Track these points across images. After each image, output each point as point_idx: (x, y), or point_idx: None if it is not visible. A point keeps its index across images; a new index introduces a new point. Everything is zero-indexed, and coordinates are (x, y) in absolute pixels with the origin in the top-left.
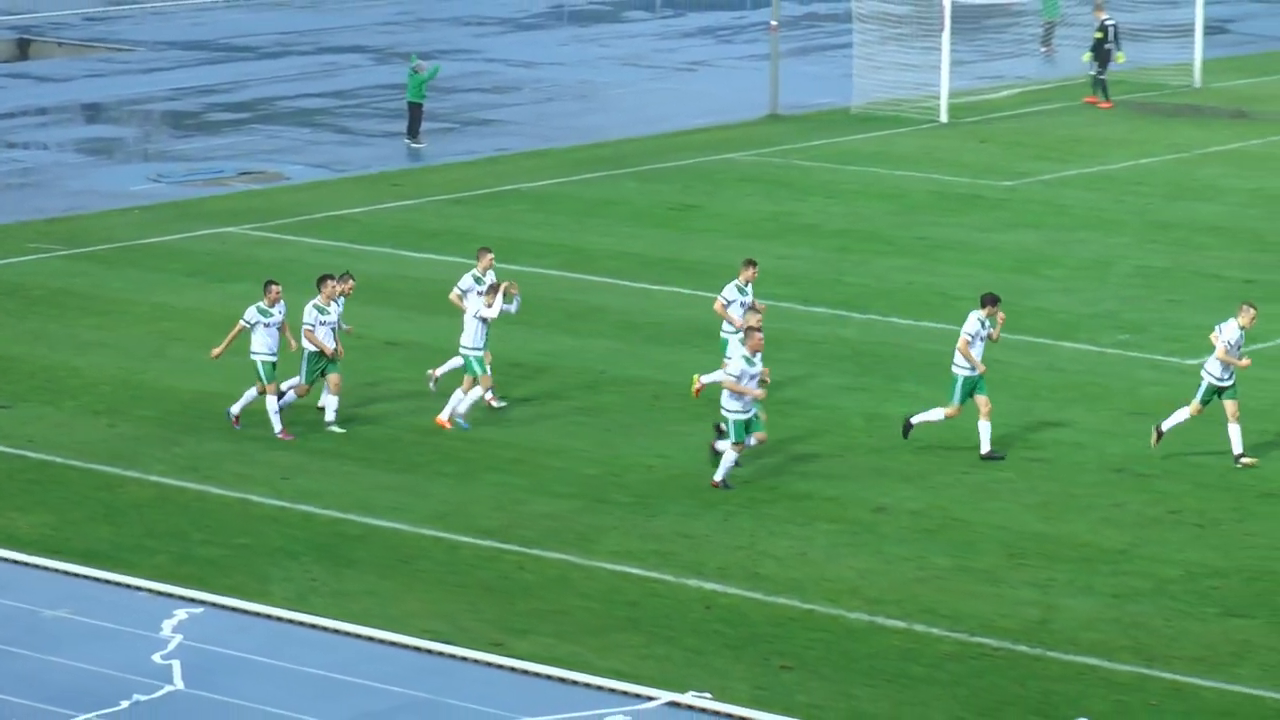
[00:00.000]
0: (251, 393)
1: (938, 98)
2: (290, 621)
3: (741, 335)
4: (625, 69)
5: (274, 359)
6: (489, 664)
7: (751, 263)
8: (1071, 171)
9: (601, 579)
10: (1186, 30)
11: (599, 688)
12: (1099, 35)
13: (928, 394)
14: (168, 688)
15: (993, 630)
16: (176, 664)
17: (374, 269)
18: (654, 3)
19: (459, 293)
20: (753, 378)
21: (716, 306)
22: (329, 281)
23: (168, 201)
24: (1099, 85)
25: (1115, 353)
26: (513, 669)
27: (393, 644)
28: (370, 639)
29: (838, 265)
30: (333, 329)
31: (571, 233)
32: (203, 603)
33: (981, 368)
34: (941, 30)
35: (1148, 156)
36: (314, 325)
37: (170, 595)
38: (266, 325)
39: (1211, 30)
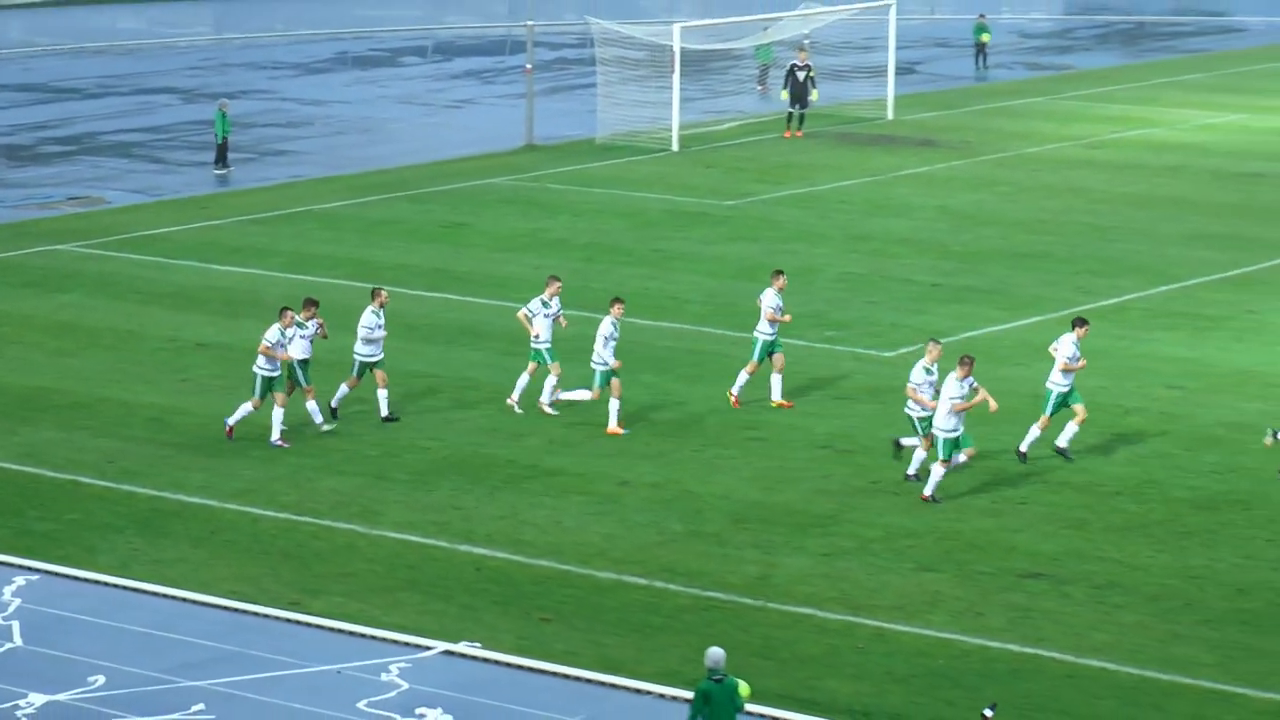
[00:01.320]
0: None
1: (669, 129)
2: (115, 586)
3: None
4: (402, 106)
5: (276, 372)
6: (288, 620)
7: (780, 272)
8: (784, 192)
9: (385, 546)
10: (880, 71)
11: (384, 639)
12: (799, 76)
13: (663, 384)
14: (8, 645)
15: (721, 585)
16: (16, 624)
17: (184, 280)
18: (426, 49)
19: (526, 314)
20: (931, 385)
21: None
22: (310, 307)
23: (5, 223)
24: (794, 118)
25: (823, 347)
26: (308, 624)
27: (204, 604)
28: (185, 600)
29: (585, 274)
30: (309, 339)
31: (357, 247)
32: (38, 570)
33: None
34: (672, 72)
35: (848, 179)
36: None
37: (9, 565)
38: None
39: (901, 71)
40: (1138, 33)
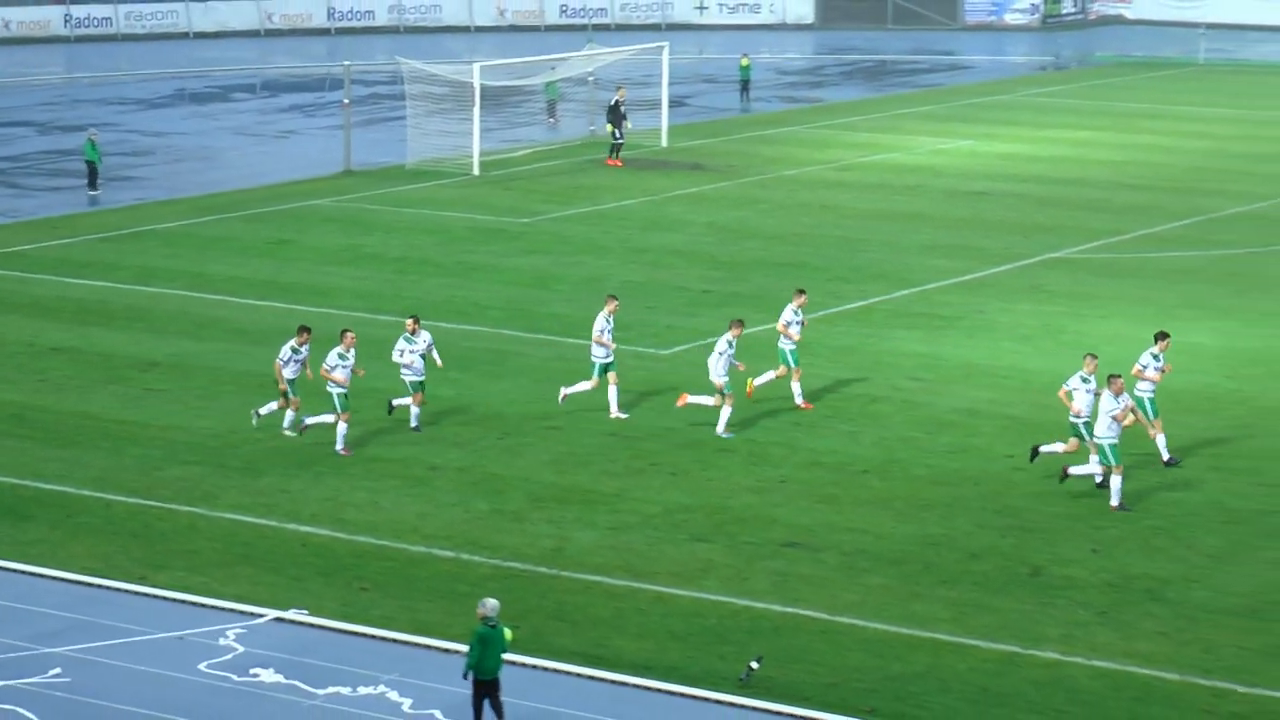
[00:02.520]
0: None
1: (471, 156)
2: None
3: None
4: (234, 136)
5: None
6: (135, 593)
7: (802, 291)
8: (572, 211)
9: (222, 526)
10: (655, 104)
11: (221, 608)
12: (621, 110)
13: (468, 380)
14: None
15: (520, 557)
16: None
17: (40, 292)
18: (255, 86)
19: (598, 332)
20: (1090, 393)
21: (779, 326)
22: (304, 333)
23: None
24: (618, 142)
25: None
26: (154, 596)
27: (60, 579)
28: (43, 576)
29: (397, 284)
30: (302, 363)
31: (195, 262)
32: None
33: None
34: (473, 105)
35: (628, 199)
36: (286, 361)
37: None
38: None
39: (674, 103)
40: (880, 70)
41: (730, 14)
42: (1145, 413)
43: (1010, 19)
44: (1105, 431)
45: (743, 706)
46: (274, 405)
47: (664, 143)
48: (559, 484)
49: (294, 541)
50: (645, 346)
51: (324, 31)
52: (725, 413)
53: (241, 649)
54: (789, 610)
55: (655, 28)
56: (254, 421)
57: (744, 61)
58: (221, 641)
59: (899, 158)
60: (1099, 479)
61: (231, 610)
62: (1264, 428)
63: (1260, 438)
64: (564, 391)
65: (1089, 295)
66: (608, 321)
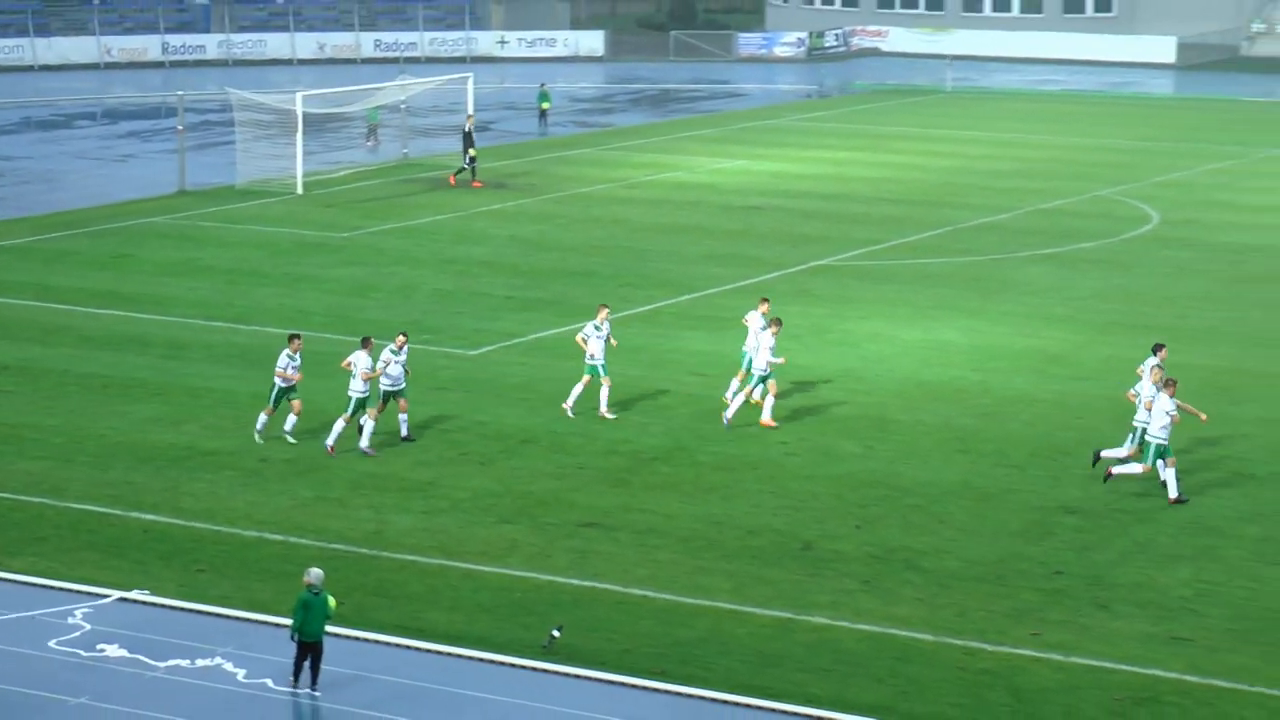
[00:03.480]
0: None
1: (295, 176)
2: None
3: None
4: (78, 160)
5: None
6: None
7: (765, 299)
8: (388, 225)
9: (70, 515)
10: (462, 128)
11: (69, 590)
12: (469, 128)
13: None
14: None
15: (343, 539)
16: None
17: None
18: (96, 114)
19: (583, 337)
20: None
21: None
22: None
23: None
24: (466, 169)
25: (421, 347)
26: (6, 580)
27: None
28: None
29: (228, 294)
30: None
31: (42, 275)
32: None
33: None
34: (296, 131)
35: (439, 215)
36: (286, 365)
37: None
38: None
39: (479, 129)
40: (663, 98)
41: (529, 48)
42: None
43: (779, 51)
44: (1159, 431)
45: (546, 671)
46: (276, 416)
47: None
48: (377, 473)
49: (136, 528)
50: (454, 347)
51: (159, 64)
52: (604, 392)
53: (89, 627)
54: (587, 584)
55: (461, 60)
56: (276, 432)
57: (543, 90)
58: (70, 620)
59: (681, 176)
60: (1137, 474)
61: (79, 592)
62: (1005, 414)
63: (1002, 423)
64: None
65: (851, 298)
66: (596, 329)
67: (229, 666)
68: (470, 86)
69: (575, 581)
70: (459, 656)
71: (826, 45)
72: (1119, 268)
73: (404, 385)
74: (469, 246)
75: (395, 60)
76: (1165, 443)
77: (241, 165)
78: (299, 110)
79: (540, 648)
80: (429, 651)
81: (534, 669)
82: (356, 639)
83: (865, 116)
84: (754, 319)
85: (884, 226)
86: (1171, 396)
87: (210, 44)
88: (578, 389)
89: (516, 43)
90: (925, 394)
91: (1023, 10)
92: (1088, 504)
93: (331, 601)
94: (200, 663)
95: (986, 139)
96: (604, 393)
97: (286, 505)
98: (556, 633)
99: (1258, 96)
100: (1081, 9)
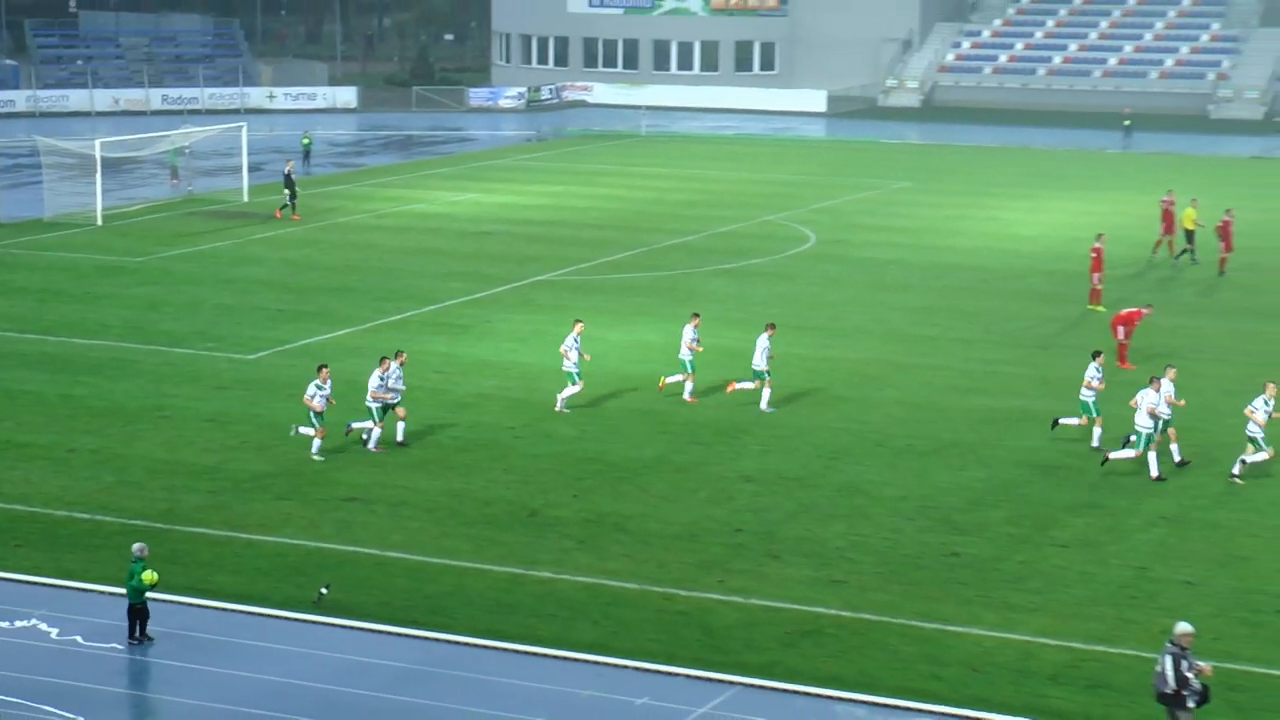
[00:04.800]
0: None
1: (95, 210)
2: None
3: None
4: None
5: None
6: None
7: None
8: (177, 251)
9: None
10: (238, 169)
11: None
12: (289, 171)
13: (95, 382)
14: None
15: (142, 515)
16: None
17: None
18: None
19: (565, 349)
20: (1266, 413)
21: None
22: (324, 369)
23: None
24: (288, 205)
25: (206, 354)
26: None
27: None
28: None
29: (39, 310)
30: (326, 398)
31: None
32: None
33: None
34: (95, 171)
35: (221, 241)
36: (314, 395)
37: None
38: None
39: (252, 169)
40: (407, 142)
41: (294, 101)
42: (1090, 411)
43: (504, 103)
44: (1144, 422)
45: (317, 623)
46: (310, 431)
47: (245, 198)
48: (170, 459)
49: None
50: (235, 353)
51: None
52: (568, 391)
53: None
54: (350, 549)
55: (236, 111)
56: (292, 432)
57: (307, 135)
58: None
59: (423, 207)
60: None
61: None
62: (696, 401)
63: (693, 408)
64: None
65: (566, 307)
66: (575, 340)
67: (43, 626)
68: (244, 134)
69: (340, 547)
70: (243, 612)
71: (543, 98)
72: (784, 279)
73: (399, 399)
74: (246, 268)
75: (180, 112)
76: (1149, 432)
77: (49, 201)
78: (98, 154)
79: (311, 603)
80: (217, 609)
81: (307, 621)
82: (154, 600)
83: (575, 157)
84: (686, 331)
85: (592, 248)
86: (1158, 391)
87: (19, 98)
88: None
89: (283, 97)
90: (629, 385)
91: (702, 69)
92: (761, 474)
93: (146, 575)
94: (18, 624)
95: (675, 175)
96: (569, 391)
97: (93, 489)
98: (325, 590)
99: (892, 139)
100: (750, 68)
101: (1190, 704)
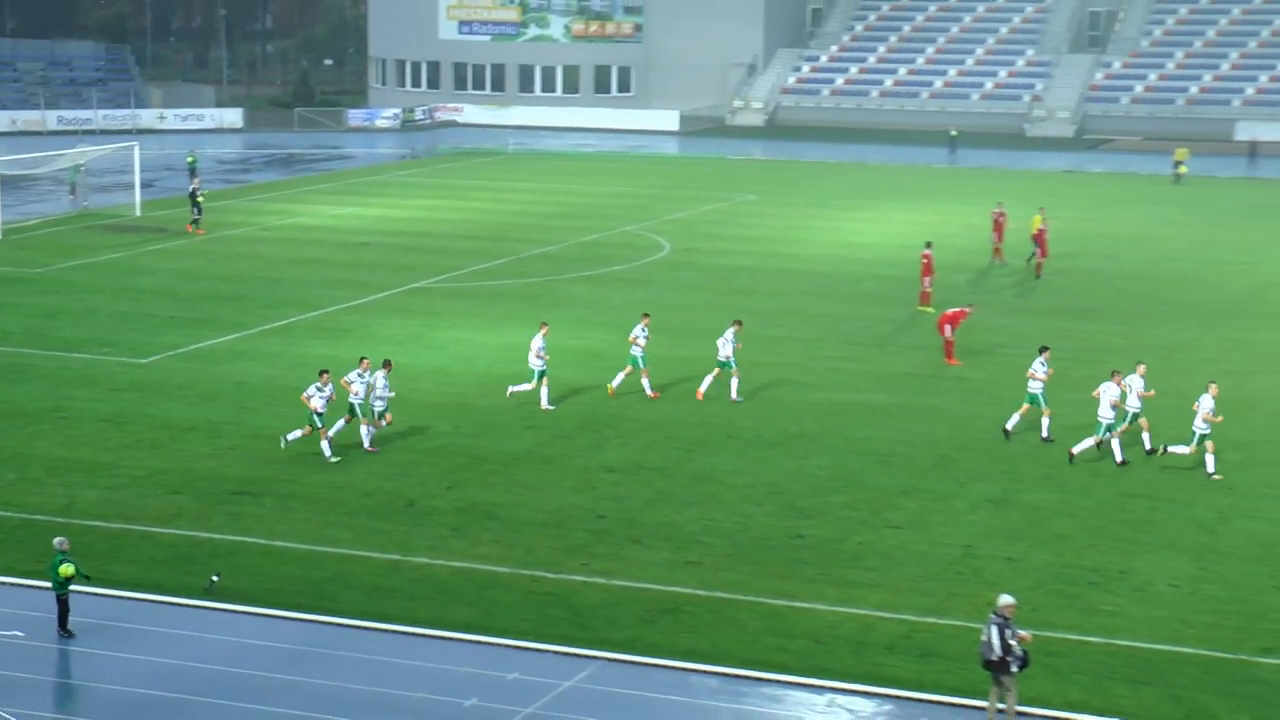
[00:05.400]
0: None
1: None
2: None
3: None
4: None
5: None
6: None
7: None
8: (75, 262)
9: None
10: (131, 185)
11: None
12: (195, 188)
13: (4, 389)
14: None
15: (41, 510)
16: None
17: None
18: None
19: (535, 350)
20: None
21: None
22: (325, 375)
23: None
24: (196, 219)
25: (101, 358)
26: None
27: None
28: None
29: None
30: (327, 399)
31: None
32: None
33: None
34: None
35: (116, 253)
36: (313, 395)
37: None
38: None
39: (145, 185)
40: (290, 160)
41: (183, 121)
42: (1039, 402)
43: (380, 123)
44: (1105, 413)
45: (209, 609)
46: (298, 434)
47: (138, 213)
48: (68, 457)
49: None
50: (129, 357)
51: None
52: (532, 388)
53: None
54: (239, 539)
55: (129, 131)
56: (283, 444)
57: (192, 155)
58: None
59: (305, 220)
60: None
61: None
62: (560, 398)
63: (557, 404)
64: (510, 390)
65: (440, 312)
66: (543, 341)
67: None
68: (136, 154)
69: (229, 537)
70: (139, 600)
71: (417, 118)
72: (641, 285)
73: (387, 405)
74: (139, 278)
75: (75, 132)
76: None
77: None
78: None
79: (203, 590)
80: (115, 597)
81: (200, 607)
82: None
83: (447, 173)
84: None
85: (464, 257)
86: (1118, 385)
87: None
88: (524, 387)
89: (173, 118)
90: (499, 383)
91: (564, 91)
92: (622, 465)
93: (62, 568)
94: None
95: (540, 189)
96: (529, 386)
97: None
98: (215, 578)
99: (739, 156)
100: (609, 90)
101: (1013, 669)
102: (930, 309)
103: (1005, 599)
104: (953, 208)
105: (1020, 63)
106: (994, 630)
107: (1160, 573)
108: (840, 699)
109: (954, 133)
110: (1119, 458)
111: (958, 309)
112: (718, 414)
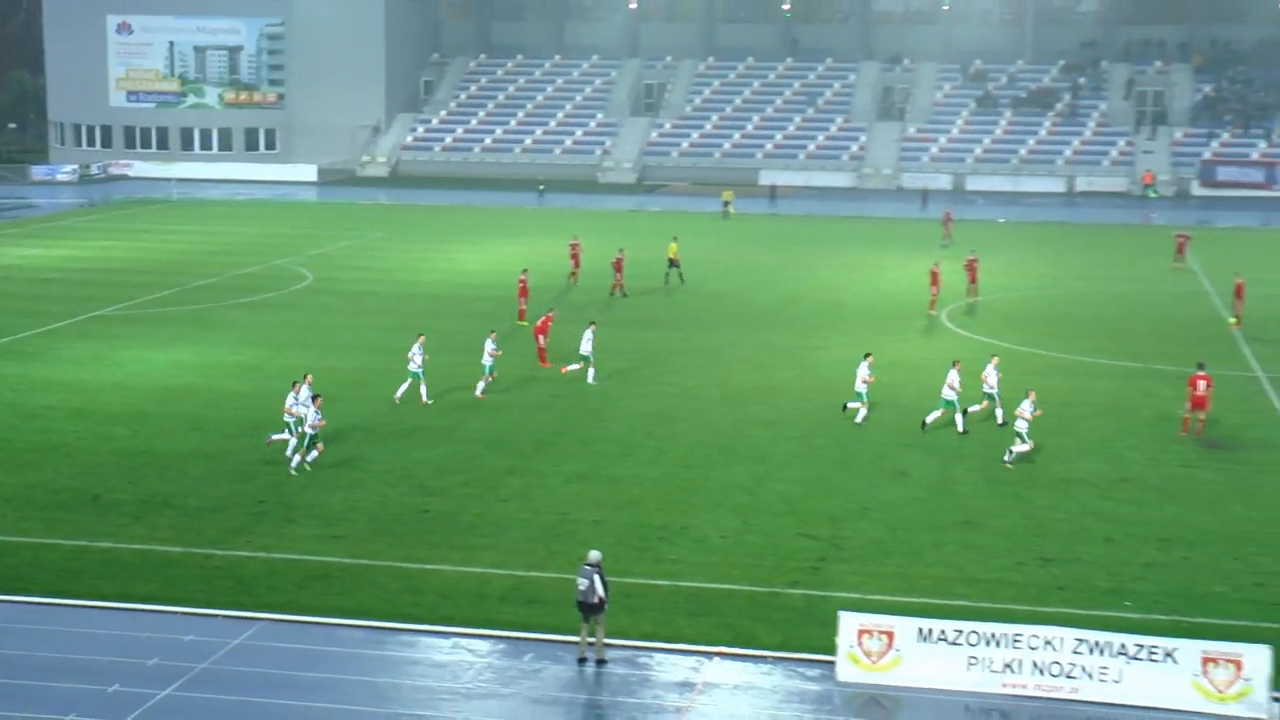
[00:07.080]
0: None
1: None
2: None
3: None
4: None
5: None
6: None
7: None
8: None
9: None
10: None
11: None
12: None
13: None
14: None
15: None
16: None
17: None
18: None
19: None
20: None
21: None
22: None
23: None
24: None
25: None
26: None
27: None
28: None
29: None
30: (304, 404)
31: None
32: None
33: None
34: None
35: None
36: (294, 404)
37: None
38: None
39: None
40: None
41: None
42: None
43: (61, 177)
44: (950, 394)
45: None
46: (284, 436)
47: None
48: None
49: None
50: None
51: None
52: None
53: None
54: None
55: None
56: (269, 443)
57: None
58: None
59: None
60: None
61: None
62: (222, 405)
63: (220, 410)
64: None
65: (118, 335)
66: (494, 346)
67: None
68: None
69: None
70: None
71: (93, 173)
72: (290, 309)
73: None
74: None
75: None
76: (954, 401)
77: None
78: None
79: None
80: None
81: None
82: None
83: (121, 219)
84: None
85: (137, 289)
86: (958, 372)
87: None
88: (482, 384)
89: None
90: (170, 394)
91: (219, 149)
92: (278, 459)
93: None
94: None
95: (202, 231)
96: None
97: None
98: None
99: (368, 201)
100: (257, 148)
101: (606, 607)
102: (525, 323)
103: (594, 554)
104: (542, 241)
105: (592, 124)
106: (597, 578)
107: (712, 527)
108: (463, 642)
109: (541, 185)
110: (960, 428)
111: (544, 318)
112: (356, 413)
